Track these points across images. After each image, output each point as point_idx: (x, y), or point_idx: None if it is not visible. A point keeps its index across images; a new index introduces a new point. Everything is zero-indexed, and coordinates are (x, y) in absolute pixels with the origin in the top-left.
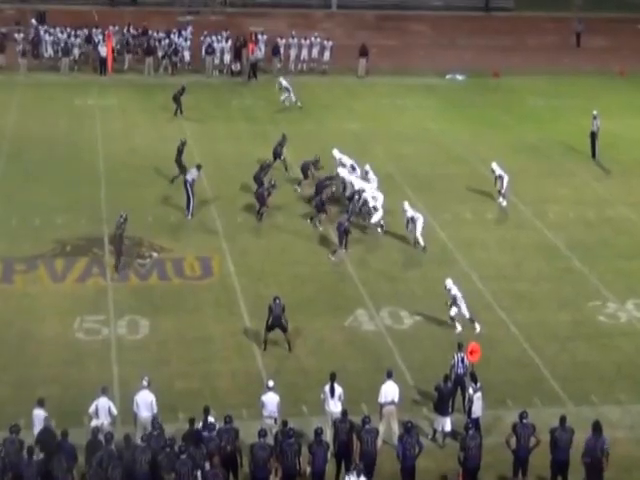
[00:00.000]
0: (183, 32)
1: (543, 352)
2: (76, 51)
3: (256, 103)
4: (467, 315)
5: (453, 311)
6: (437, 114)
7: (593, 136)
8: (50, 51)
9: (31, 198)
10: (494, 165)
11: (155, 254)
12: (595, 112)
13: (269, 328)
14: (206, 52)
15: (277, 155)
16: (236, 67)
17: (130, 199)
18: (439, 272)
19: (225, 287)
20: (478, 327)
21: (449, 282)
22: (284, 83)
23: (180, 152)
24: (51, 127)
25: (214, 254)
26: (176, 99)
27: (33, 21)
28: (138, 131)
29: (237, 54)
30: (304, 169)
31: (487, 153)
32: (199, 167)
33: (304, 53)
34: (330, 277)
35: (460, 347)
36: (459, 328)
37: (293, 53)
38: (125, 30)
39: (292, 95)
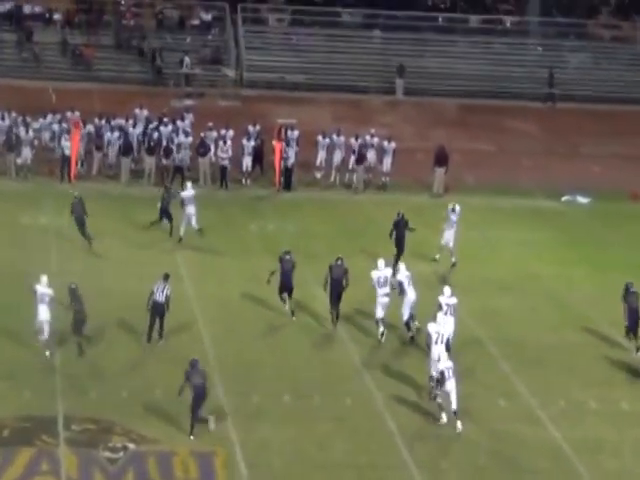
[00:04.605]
0: (179, 122)
1: None
2: (27, 149)
3: (283, 228)
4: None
5: None
6: (548, 253)
7: None
8: None
9: None
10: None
11: (131, 445)
12: None
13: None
14: (197, 152)
15: None
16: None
17: (98, 362)
18: None
19: None
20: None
21: None
22: None
23: None
24: None
25: (218, 448)
26: None
27: None
28: (110, 267)
29: (257, 156)
30: None
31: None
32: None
33: (354, 159)
34: None
35: None
36: None
37: (338, 157)
38: (97, 118)
39: None
